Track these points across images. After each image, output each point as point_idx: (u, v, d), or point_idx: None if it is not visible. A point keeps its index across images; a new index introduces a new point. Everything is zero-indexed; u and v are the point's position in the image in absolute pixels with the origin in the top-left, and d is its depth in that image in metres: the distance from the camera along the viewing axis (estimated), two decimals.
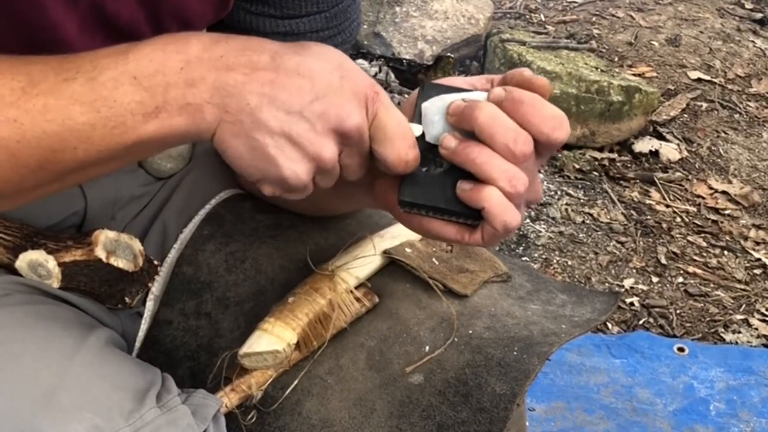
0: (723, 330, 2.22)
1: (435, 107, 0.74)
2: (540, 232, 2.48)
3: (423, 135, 0.75)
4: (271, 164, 0.69)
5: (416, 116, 0.75)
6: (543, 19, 3.43)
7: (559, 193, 2.64)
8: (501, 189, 0.70)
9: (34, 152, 0.66)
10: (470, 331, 0.86)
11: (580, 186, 2.68)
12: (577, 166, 2.74)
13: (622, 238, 2.50)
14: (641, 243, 2.48)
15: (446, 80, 0.78)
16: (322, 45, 0.72)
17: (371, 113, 0.72)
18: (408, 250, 0.94)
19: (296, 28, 0.93)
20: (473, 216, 0.72)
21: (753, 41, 3.46)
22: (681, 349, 2.11)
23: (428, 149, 0.74)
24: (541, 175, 2.70)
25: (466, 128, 0.72)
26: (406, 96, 2.69)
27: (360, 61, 2.89)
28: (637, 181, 2.72)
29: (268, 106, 0.67)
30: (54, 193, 0.71)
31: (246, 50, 0.68)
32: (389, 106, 0.73)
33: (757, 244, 2.52)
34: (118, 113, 0.66)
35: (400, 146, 0.72)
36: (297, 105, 0.68)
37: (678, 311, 2.27)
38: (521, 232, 2.46)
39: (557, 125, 0.71)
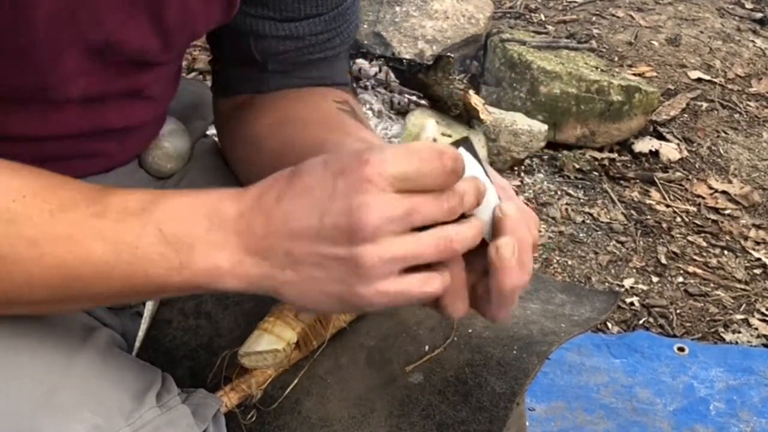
0: (723, 330, 2.22)
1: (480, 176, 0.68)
2: (540, 231, 2.48)
3: None
4: (327, 295, 0.66)
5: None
6: (543, 18, 3.43)
7: (559, 192, 2.65)
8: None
9: (52, 274, 0.67)
10: (470, 331, 0.87)
11: (580, 186, 2.68)
12: (577, 166, 2.74)
13: (622, 238, 2.50)
14: (641, 243, 2.48)
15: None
16: (308, 163, 0.67)
17: (381, 184, 0.63)
18: None
19: (295, 31, 0.94)
20: None
21: (753, 41, 3.46)
22: (681, 349, 2.11)
23: None
24: (541, 175, 2.70)
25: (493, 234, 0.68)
26: (406, 96, 2.68)
27: (360, 60, 2.89)
28: (637, 180, 2.72)
29: (290, 244, 0.65)
30: (71, 313, 0.72)
31: (259, 198, 0.66)
32: (390, 158, 0.63)
33: (757, 243, 2.52)
34: (140, 261, 0.66)
35: (436, 167, 0.64)
36: (312, 228, 0.64)
37: (678, 311, 2.27)
38: None
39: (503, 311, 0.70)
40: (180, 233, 0.66)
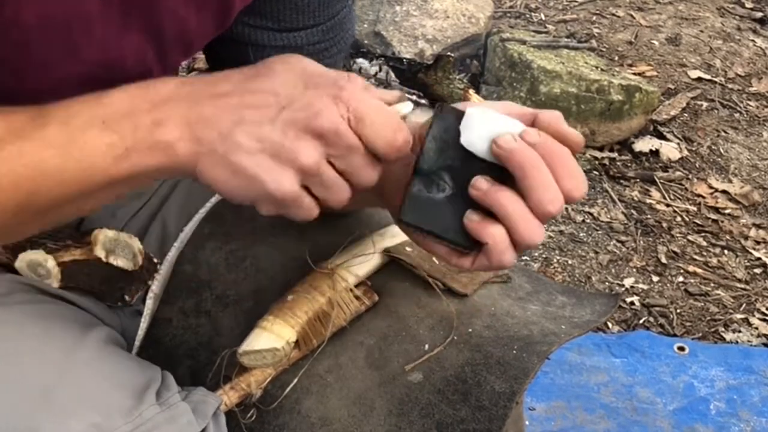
0: (723, 329, 2.22)
1: (484, 123, 0.72)
2: None
3: (458, 138, 0.73)
4: (254, 182, 0.69)
5: (436, 129, 0.73)
6: (543, 18, 3.43)
7: None
8: (518, 238, 0.71)
9: (11, 196, 0.67)
10: (470, 330, 0.87)
11: None
12: None
13: (623, 238, 2.50)
14: (641, 242, 2.48)
15: (466, 105, 0.76)
16: (284, 58, 0.73)
17: (348, 108, 0.70)
18: (408, 248, 0.94)
19: (294, 41, 0.94)
20: (469, 247, 0.73)
21: (753, 40, 3.46)
22: (681, 349, 2.11)
23: (436, 172, 0.73)
24: None
25: (505, 165, 0.71)
26: (406, 96, 2.69)
27: (360, 60, 2.89)
28: (638, 180, 2.72)
29: (238, 127, 0.68)
30: (38, 230, 0.73)
31: (210, 84, 0.70)
32: (362, 97, 0.71)
33: (758, 243, 2.52)
34: (88, 155, 0.67)
35: (385, 131, 0.70)
36: (265, 119, 0.68)
37: (678, 310, 2.27)
38: None
39: (576, 186, 0.71)
40: (123, 120, 0.68)
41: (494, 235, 0.71)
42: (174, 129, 0.68)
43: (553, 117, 0.73)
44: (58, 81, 0.78)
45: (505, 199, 0.70)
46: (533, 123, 0.73)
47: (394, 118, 0.72)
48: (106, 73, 0.81)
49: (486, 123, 0.72)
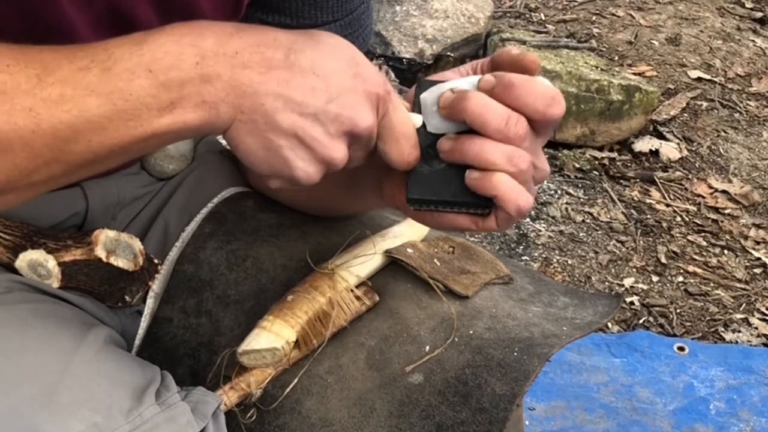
0: (723, 329, 2.22)
1: (432, 98, 0.76)
2: (540, 231, 2.48)
3: (425, 127, 0.76)
4: (284, 164, 0.70)
5: (416, 108, 0.77)
6: (543, 18, 3.43)
7: (559, 192, 2.64)
8: (505, 171, 0.71)
9: (49, 143, 0.65)
10: (471, 332, 0.86)
11: (580, 185, 2.68)
12: (577, 165, 2.74)
13: (622, 238, 2.49)
14: (641, 242, 2.48)
15: (440, 75, 0.80)
16: (335, 37, 0.73)
17: (381, 113, 0.73)
18: (409, 250, 0.93)
19: None
20: (482, 205, 0.74)
21: (753, 40, 3.46)
22: (681, 349, 2.11)
23: (431, 144, 0.75)
24: None
25: (458, 120, 0.73)
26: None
27: None
28: (637, 180, 2.72)
29: (282, 108, 0.68)
30: (59, 187, 0.71)
31: (260, 46, 0.69)
32: (397, 106, 0.74)
33: (757, 243, 2.52)
34: (134, 106, 0.65)
35: (404, 146, 0.74)
36: (311, 107, 0.68)
37: (678, 310, 2.27)
38: (521, 232, 2.46)
39: (551, 102, 0.72)
40: (170, 71, 0.66)
41: (498, 183, 0.71)
42: (221, 89, 0.67)
43: (504, 51, 0.75)
44: (69, 23, 0.77)
45: (467, 145, 0.72)
46: (491, 68, 0.76)
47: (413, 134, 0.74)
48: (117, 27, 0.80)
49: (436, 100, 0.75)
